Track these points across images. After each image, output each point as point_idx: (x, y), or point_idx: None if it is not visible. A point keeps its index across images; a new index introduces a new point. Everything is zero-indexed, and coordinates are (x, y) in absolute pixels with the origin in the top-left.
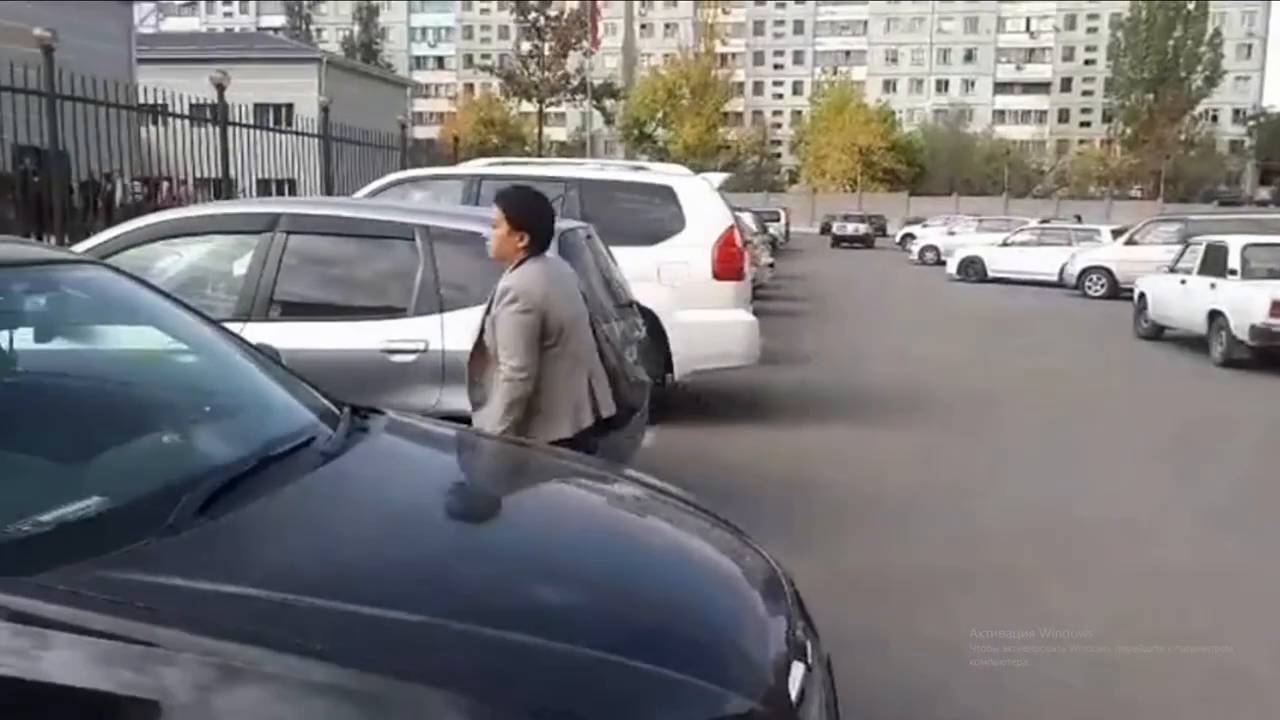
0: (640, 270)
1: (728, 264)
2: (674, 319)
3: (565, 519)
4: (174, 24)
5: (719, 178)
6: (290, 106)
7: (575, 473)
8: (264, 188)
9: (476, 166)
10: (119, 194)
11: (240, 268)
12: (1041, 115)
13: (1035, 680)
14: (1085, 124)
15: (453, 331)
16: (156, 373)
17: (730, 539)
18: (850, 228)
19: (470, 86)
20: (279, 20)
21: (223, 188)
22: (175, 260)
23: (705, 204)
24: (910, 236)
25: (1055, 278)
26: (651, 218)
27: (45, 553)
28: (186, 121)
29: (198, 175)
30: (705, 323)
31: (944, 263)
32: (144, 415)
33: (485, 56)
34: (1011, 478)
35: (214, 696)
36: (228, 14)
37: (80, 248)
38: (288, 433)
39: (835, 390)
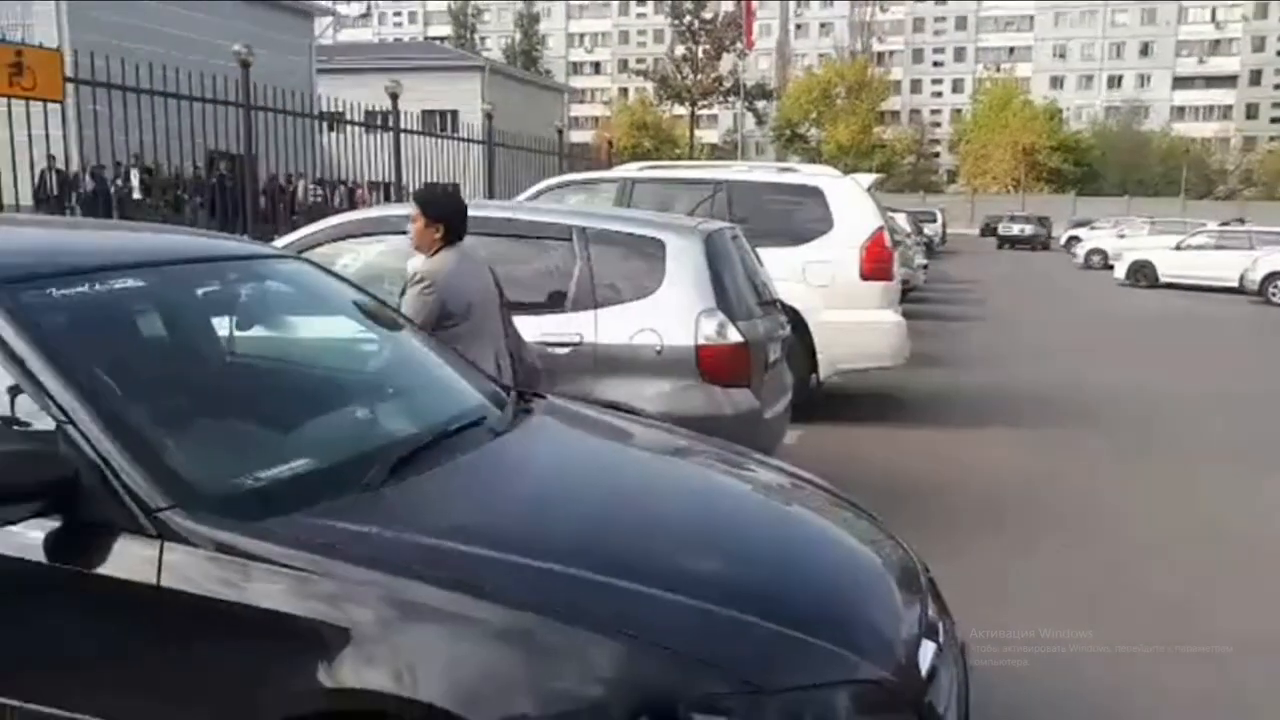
0: (787, 270)
1: (876, 264)
2: (820, 319)
3: (712, 497)
4: (348, 35)
5: (869, 179)
6: (455, 113)
7: (724, 459)
8: None
9: (629, 170)
10: (300, 195)
11: (415, 265)
12: (1226, 111)
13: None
14: (1277, 120)
15: (606, 326)
16: (349, 357)
17: (869, 527)
18: (1016, 228)
19: (624, 91)
20: (445, 29)
21: (393, 191)
22: (355, 257)
23: (854, 205)
24: (1076, 239)
25: (1235, 284)
26: (800, 218)
27: (265, 502)
28: (361, 128)
29: (370, 179)
30: (852, 323)
31: (1111, 267)
32: (341, 393)
33: (640, 61)
34: (1163, 500)
35: (393, 626)
36: (397, 24)
37: (278, 244)
38: (461, 411)
39: (984, 395)
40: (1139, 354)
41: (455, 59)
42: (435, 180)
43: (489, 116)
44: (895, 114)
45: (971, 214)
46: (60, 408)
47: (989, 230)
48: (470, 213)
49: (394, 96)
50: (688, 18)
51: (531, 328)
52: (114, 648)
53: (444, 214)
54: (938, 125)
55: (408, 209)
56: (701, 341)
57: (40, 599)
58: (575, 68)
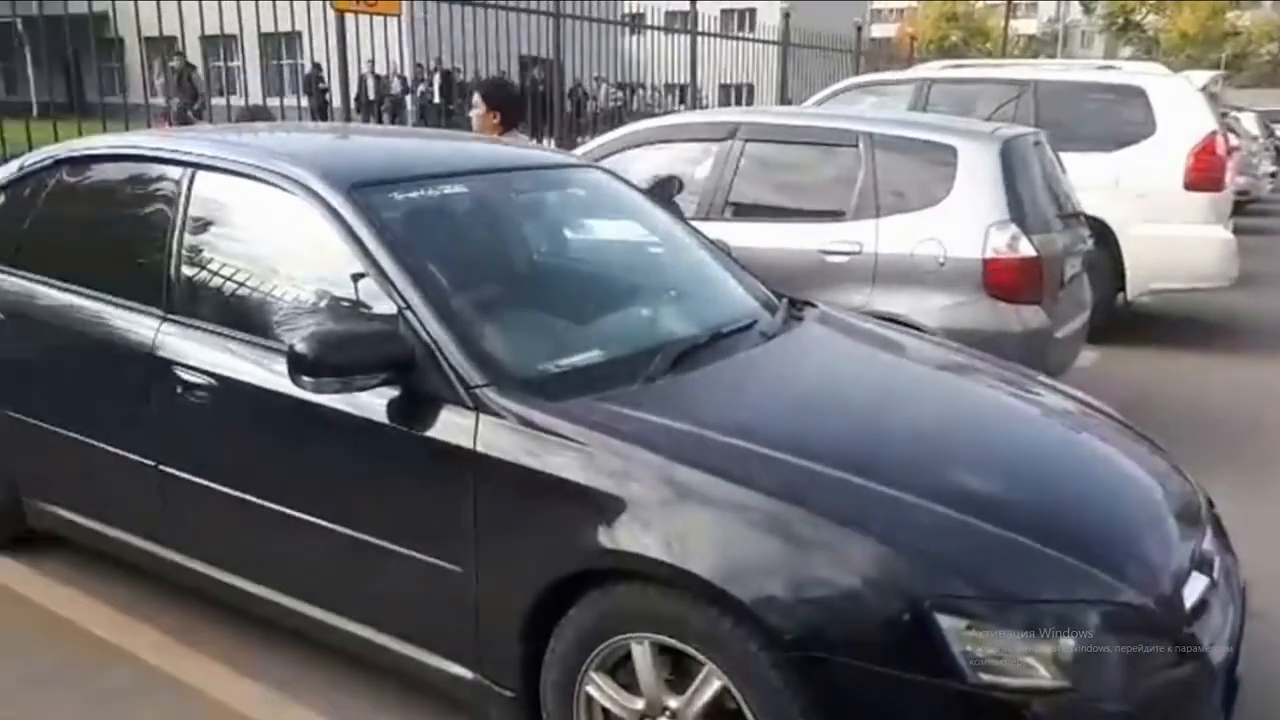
0: (1098, 178)
1: (1204, 173)
2: (1132, 232)
3: (982, 412)
4: None
5: (1205, 76)
6: (753, 12)
7: (1001, 377)
8: (724, 93)
9: (927, 70)
10: (601, 100)
11: (702, 172)
12: None
13: None
14: None
15: (887, 236)
16: (638, 259)
17: (1149, 455)
18: None
19: None
20: None
21: (688, 94)
22: (649, 164)
23: (1182, 106)
24: None
25: None
26: (1117, 122)
27: (563, 386)
28: (659, 32)
29: (666, 82)
30: (1169, 237)
31: None
32: (629, 293)
33: None
34: None
35: (666, 502)
36: None
37: (578, 152)
38: (735, 315)
39: None
40: None
41: None
42: (729, 82)
43: (786, 15)
44: None
45: None
46: (401, 296)
47: None
48: (759, 119)
49: None
50: None
51: (809, 237)
52: (438, 496)
53: (501, 102)
54: None
55: (691, 117)
56: (990, 254)
57: (382, 452)
58: None
